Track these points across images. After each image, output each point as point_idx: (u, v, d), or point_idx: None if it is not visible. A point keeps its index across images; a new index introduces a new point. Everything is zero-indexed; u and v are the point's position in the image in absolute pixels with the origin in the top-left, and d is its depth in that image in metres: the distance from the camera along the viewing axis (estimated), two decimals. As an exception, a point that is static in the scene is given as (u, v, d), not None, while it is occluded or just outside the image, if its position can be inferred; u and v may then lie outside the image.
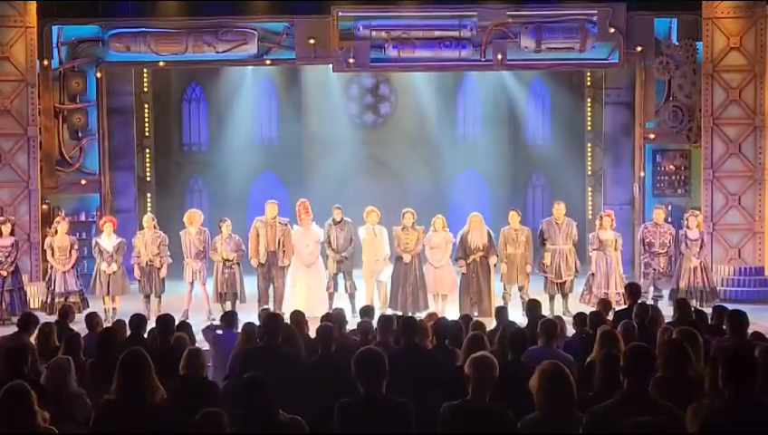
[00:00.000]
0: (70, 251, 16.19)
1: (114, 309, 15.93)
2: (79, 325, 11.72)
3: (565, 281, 16.14)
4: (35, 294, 17.10)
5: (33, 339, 9.83)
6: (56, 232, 16.21)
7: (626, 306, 11.72)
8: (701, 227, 16.69)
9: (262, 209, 16.58)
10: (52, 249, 16.13)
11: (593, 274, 16.19)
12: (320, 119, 23.40)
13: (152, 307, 15.80)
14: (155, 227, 16.33)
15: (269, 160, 23.49)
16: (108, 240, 16.13)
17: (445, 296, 16.03)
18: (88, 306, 15.67)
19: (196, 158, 23.95)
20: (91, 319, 10.88)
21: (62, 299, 15.57)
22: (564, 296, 16.16)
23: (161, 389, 6.26)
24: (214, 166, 23.49)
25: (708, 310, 11.76)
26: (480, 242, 15.86)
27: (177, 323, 10.04)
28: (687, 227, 16.55)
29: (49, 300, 16.03)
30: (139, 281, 16.22)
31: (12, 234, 16.38)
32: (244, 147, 23.10)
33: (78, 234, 17.74)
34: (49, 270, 16.35)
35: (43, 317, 14.61)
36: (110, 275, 15.92)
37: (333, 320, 9.74)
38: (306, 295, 15.90)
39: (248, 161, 23.08)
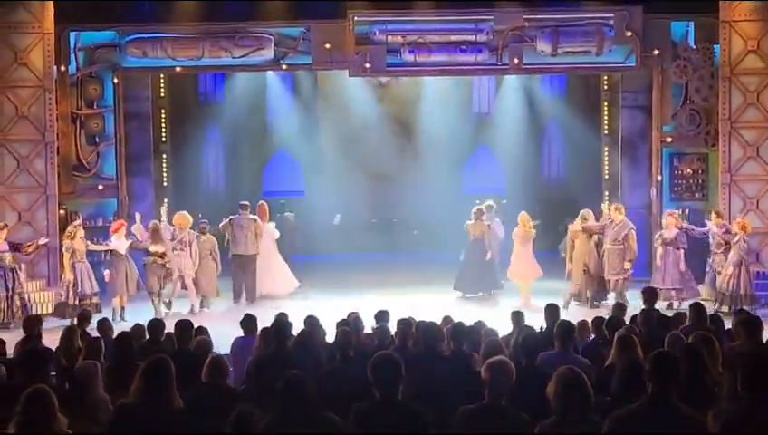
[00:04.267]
0: (86, 254, 16.55)
1: (123, 308, 16.55)
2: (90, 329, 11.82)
3: (609, 279, 16.86)
4: (51, 299, 17.27)
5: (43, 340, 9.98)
6: (74, 236, 16.42)
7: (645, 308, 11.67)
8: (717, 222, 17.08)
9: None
10: (72, 252, 16.36)
11: (656, 270, 17.08)
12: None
13: (161, 307, 16.75)
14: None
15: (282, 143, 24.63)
16: (119, 242, 16.69)
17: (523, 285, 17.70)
18: (101, 310, 16.14)
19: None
20: (102, 324, 11.02)
21: (81, 301, 16.02)
22: (617, 293, 16.77)
23: (178, 397, 6.32)
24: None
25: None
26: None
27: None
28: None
29: (72, 301, 16.22)
30: (151, 280, 16.77)
31: (6, 239, 16.54)
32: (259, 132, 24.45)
33: (95, 239, 17.86)
34: (67, 273, 16.46)
35: (57, 321, 14.94)
36: (125, 275, 16.53)
37: (350, 325, 9.78)
38: (274, 277, 18.57)
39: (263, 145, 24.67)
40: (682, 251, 16.94)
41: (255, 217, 18.39)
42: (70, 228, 16.69)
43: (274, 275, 18.69)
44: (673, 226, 17.09)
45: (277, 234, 19.08)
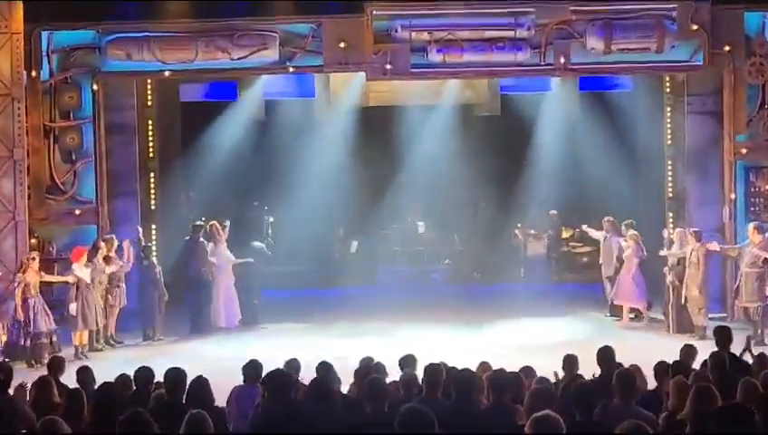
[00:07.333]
0: (40, 288, 17.28)
1: (84, 346, 17.45)
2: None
3: (747, 307, 17.71)
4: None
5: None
6: (26, 269, 17.13)
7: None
8: None
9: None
10: (26, 287, 16.98)
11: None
12: None
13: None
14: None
15: None
16: (83, 271, 17.51)
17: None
18: (59, 350, 16.70)
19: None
20: (84, 374, 10.98)
21: (35, 341, 16.86)
22: (753, 323, 17.25)
23: None
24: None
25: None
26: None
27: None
28: None
29: (23, 341, 16.97)
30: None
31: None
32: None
33: (62, 271, 18.31)
34: (18, 311, 16.98)
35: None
36: (93, 306, 17.47)
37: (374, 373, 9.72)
38: (228, 306, 19.99)
39: None
40: None
41: (203, 240, 19.90)
42: (23, 259, 17.42)
43: (230, 305, 20.10)
44: None
45: (233, 260, 20.23)
